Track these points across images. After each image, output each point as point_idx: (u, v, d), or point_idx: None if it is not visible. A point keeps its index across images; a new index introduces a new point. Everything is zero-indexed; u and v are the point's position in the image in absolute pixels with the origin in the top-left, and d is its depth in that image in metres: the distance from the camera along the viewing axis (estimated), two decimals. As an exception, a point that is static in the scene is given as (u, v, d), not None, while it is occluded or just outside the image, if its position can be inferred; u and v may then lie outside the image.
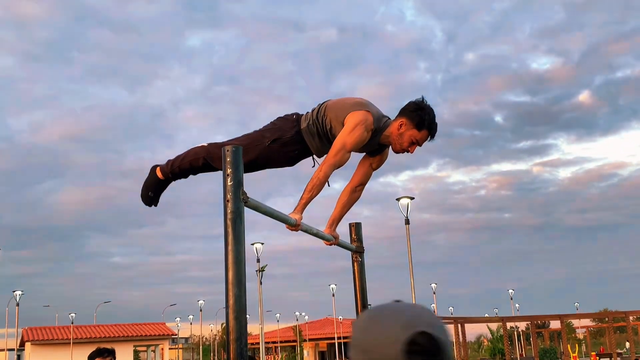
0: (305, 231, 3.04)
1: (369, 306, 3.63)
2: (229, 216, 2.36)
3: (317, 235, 3.26)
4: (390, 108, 3.37)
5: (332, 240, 3.44)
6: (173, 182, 3.54)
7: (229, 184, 2.39)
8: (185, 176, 3.48)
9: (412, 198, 20.66)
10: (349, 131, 3.14)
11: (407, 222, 19.95)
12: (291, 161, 3.40)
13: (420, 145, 3.31)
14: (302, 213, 3.00)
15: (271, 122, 3.36)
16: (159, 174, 3.48)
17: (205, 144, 3.37)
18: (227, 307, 2.25)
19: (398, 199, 20.81)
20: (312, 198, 3.07)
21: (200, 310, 55.34)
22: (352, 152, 3.21)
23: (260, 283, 27.91)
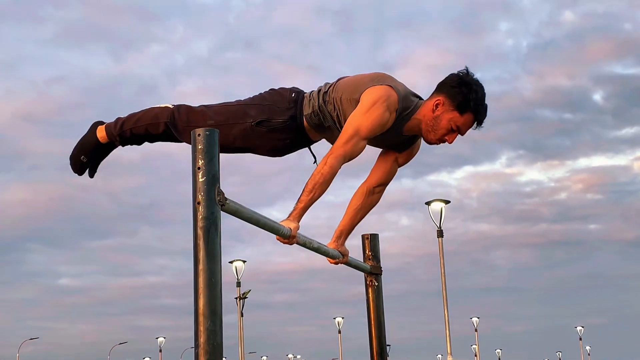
0: (303, 245, 2.64)
1: (387, 347, 3.19)
2: (199, 224, 2.02)
3: (318, 250, 2.86)
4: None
5: (339, 257, 2.98)
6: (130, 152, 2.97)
7: (200, 180, 2.03)
8: (139, 143, 2.84)
9: (447, 202, 17.46)
10: (365, 111, 2.55)
11: (441, 234, 16.76)
12: (279, 152, 2.84)
13: (462, 134, 2.72)
14: (299, 221, 2.54)
15: (260, 95, 2.76)
16: (101, 134, 2.81)
17: (170, 105, 2.76)
18: (196, 346, 1.95)
19: (428, 203, 17.14)
20: (314, 201, 2.56)
21: (160, 351, 44.89)
22: (367, 140, 2.63)
23: (242, 315, 22.61)
